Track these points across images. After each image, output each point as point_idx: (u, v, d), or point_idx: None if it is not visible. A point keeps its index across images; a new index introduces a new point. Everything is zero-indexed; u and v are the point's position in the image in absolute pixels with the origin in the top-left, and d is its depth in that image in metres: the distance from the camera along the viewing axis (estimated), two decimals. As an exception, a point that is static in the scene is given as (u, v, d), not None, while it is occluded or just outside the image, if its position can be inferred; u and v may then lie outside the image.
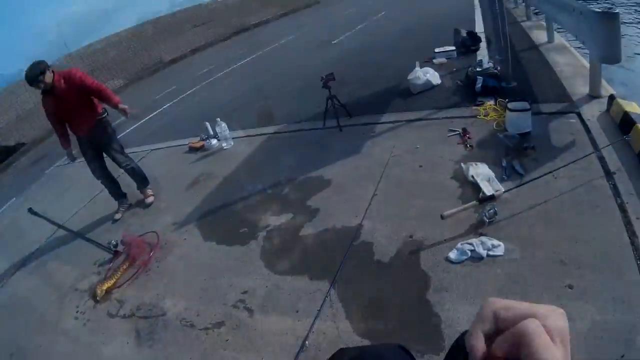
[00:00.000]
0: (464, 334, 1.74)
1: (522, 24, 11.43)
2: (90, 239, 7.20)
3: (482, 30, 10.32)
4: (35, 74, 6.52)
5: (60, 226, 7.92)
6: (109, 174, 7.76)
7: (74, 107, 6.94)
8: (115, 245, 6.55)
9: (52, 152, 7.74)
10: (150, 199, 7.96)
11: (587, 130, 5.28)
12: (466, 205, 4.30)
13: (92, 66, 34.22)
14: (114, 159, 7.52)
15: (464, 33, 9.97)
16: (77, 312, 5.74)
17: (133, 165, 7.75)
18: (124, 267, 6.12)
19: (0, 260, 8.71)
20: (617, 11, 5.36)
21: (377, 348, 1.94)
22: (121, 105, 7.00)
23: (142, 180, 7.95)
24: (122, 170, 7.79)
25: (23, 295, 6.98)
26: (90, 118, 7.13)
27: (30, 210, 8.75)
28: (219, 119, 9.07)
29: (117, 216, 7.77)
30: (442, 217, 4.21)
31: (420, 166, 5.62)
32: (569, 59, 7.77)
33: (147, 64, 35.71)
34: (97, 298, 5.71)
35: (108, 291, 5.78)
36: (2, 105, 29.72)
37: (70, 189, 7.78)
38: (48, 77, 6.62)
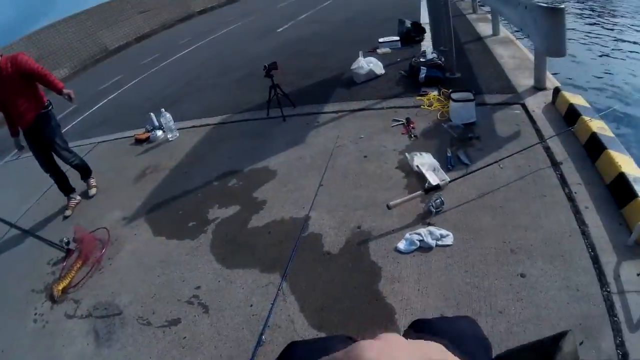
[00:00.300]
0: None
1: (467, 16, 11.63)
2: (42, 237, 7.06)
3: (427, 21, 10.41)
4: None
5: (11, 225, 7.76)
6: (57, 167, 7.64)
7: (18, 91, 6.77)
8: (68, 243, 6.44)
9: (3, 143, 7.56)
10: (93, 190, 7.94)
11: (532, 121, 5.38)
12: (412, 195, 4.31)
13: (38, 54, 33.53)
14: (59, 156, 7.42)
15: (408, 24, 10.03)
16: (35, 314, 5.65)
17: (78, 161, 7.65)
18: (77, 265, 6.01)
19: None
20: (562, 6, 5.43)
21: (325, 341, 2.01)
22: (65, 90, 6.91)
23: (85, 171, 7.90)
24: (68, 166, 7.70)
25: None
26: (35, 108, 6.99)
27: None
28: (163, 110, 8.99)
29: (68, 212, 7.63)
30: (389, 207, 4.22)
31: (365, 156, 5.64)
32: (514, 52, 7.92)
33: (93, 52, 35.17)
34: (55, 298, 5.62)
35: (64, 291, 5.69)
36: None
37: (19, 185, 7.61)
38: None
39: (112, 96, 16.52)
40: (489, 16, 9.87)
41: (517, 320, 2.97)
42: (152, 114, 9.66)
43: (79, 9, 37.48)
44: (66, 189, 7.77)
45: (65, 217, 7.62)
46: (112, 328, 4.67)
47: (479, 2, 12.13)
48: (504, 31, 9.33)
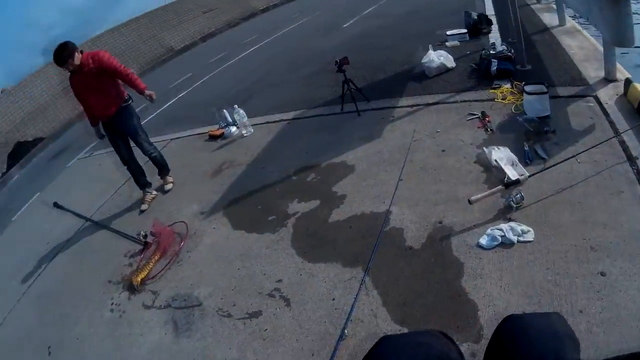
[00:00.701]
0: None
1: (532, 6, 11.31)
2: (119, 231, 7.35)
3: (492, 12, 10.35)
4: (64, 55, 6.63)
5: (87, 219, 8.06)
6: (136, 160, 7.90)
7: (99, 87, 7.08)
8: (145, 236, 6.65)
9: (70, 146, 7.72)
10: (169, 186, 8.20)
11: (606, 113, 5.29)
12: (493, 190, 4.34)
13: (103, 56, 34.13)
14: (140, 147, 7.68)
15: (474, 15, 9.93)
16: (112, 304, 5.85)
17: (157, 154, 7.90)
18: (156, 257, 6.19)
19: (30, 255, 8.84)
20: (628, -6, 5.32)
21: (420, 335, 2.10)
22: (147, 92, 7.23)
23: (163, 168, 8.15)
24: (146, 160, 7.94)
25: (56, 289, 7.09)
26: (116, 102, 7.25)
27: (55, 204, 8.91)
28: (236, 106, 9.15)
29: (144, 207, 7.93)
30: (470, 202, 4.26)
31: (443, 150, 5.65)
32: (582, 42, 7.77)
33: (158, 53, 35.65)
34: (135, 287, 5.79)
35: (142, 282, 5.86)
36: (16, 102, 29.73)
37: (92, 182, 7.88)
38: (77, 59, 6.75)
39: (181, 94, 16.82)
40: (554, 5, 9.69)
41: (597, 320, 2.98)
42: (225, 110, 9.86)
43: (139, 13, 37.87)
44: (142, 183, 8.03)
45: (142, 212, 7.93)
46: (192, 319, 4.82)
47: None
48: (570, 21, 9.14)
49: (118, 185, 9.22)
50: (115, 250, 7.10)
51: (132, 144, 7.75)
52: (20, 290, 7.76)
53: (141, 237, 6.71)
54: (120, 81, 7.26)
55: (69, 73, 6.98)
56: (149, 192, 8.12)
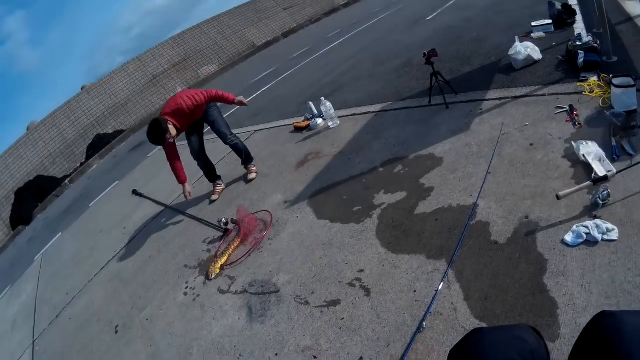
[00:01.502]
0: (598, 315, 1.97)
1: (613, -5, 11.17)
2: (199, 218, 7.73)
3: (575, 2, 10.21)
4: (162, 137, 7.09)
5: (166, 206, 8.38)
6: (206, 156, 8.32)
7: (191, 120, 7.62)
8: (226, 224, 6.93)
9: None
10: (252, 175, 8.55)
11: None
12: (581, 186, 4.32)
13: (186, 53, 35.12)
14: (219, 134, 8.11)
15: (558, 6, 9.80)
16: (186, 287, 6.18)
17: (237, 141, 8.26)
18: (236, 244, 6.44)
19: (105, 239, 9.26)
20: None
21: (513, 330, 2.11)
22: (237, 99, 7.73)
23: (246, 157, 8.53)
24: (227, 152, 8.26)
25: (129, 272, 7.53)
26: (201, 113, 7.76)
27: (134, 191, 9.35)
28: (323, 98, 9.30)
29: (214, 197, 8.42)
30: (558, 198, 4.26)
31: (531, 144, 5.62)
32: None
33: (240, 49, 36.27)
34: (211, 277, 6.05)
35: (221, 268, 6.11)
36: (97, 97, 30.87)
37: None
38: (172, 130, 7.17)
39: (265, 88, 17.34)
40: None
41: None
42: (310, 102, 10.15)
43: (219, 11, 38.52)
44: (213, 176, 8.49)
45: (212, 202, 8.38)
46: (267, 305, 5.00)
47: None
48: None
49: (198, 176, 9.55)
50: (194, 236, 7.46)
51: (206, 140, 8.16)
52: (94, 271, 8.31)
53: (222, 225, 6.98)
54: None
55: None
56: (219, 184, 8.59)
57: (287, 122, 11.26)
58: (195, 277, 6.34)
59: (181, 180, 7.93)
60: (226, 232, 7.04)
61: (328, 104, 9.28)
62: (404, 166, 6.56)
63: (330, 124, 9.45)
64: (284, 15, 40.30)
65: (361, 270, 4.83)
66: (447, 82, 8.06)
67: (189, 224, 8.08)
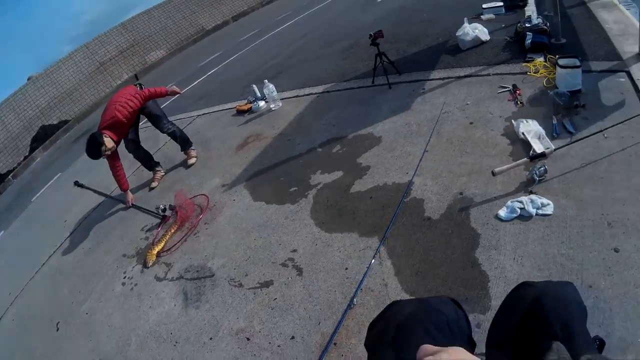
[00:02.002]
0: (520, 285, 1.90)
1: (570, -22, 11.22)
2: (138, 206, 7.54)
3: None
4: (98, 151, 7.00)
5: (106, 195, 8.16)
6: (141, 146, 8.20)
7: (131, 124, 7.56)
8: (164, 210, 6.83)
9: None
10: (192, 160, 8.45)
11: (637, 89, 5.14)
12: (517, 162, 4.29)
13: (134, 39, 34.73)
14: (155, 124, 8.03)
15: None
16: (124, 277, 6.04)
17: (174, 128, 8.18)
18: (172, 230, 6.33)
19: (47, 233, 9.03)
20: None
21: (430, 301, 2.09)
22: (170, 90, 7.59)
23: (184, 142, 8.40)
24: (168, 139, 8.14)
25: (71, 266, 7.30)
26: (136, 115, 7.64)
27: (76, 183, 9.09)
28: (266, 81, 9.20)
29: (154, 184, 8.29)
30: (493, 174, 4.23)
31: (471, 123, 5.59)
32: (618, 17, 7.56)
33: (189, 33, 36.08)
34: (148, 265, 5.92)
35: (158, 254, 5.99)
36: (43, 87, 30.43)
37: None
38: (109, 142, 7.01)
39: (211, 72, 17.21)
40: None
41: (604, 296, 2.94)
42: (254, 85, 10.05)
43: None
44: (151, 164, 8.33)
45: (152, 189, 8.23)
46: (202, 290, 4.94)
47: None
48: None
49: (137, 165, 9.26)
50: (132, 224, 7.32)
51: (145, 128, 8.00)
52: (35, 268, 8.03)
53: (159, 211, 6.87)
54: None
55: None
56: (158, 171, 8.44)
57: (230, 105, 11.11)
58: (133, 267, 6.18)
59: (124, 188, 7.87)
60: (164, 218, 6.92)
61: (271, 86, 9.15)
62: (342, 146, 6.48)
63: (272, 106, 9.33)
64: (234, -3, 40.17)
65: (294, 250, 4.80)
66: (391, 62, 7.95)
67: (127, 213, 7.91)
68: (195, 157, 8.59)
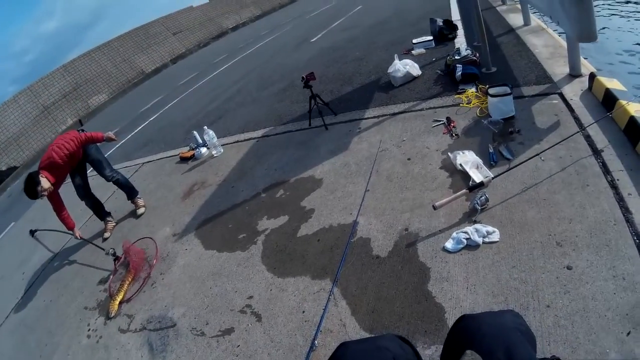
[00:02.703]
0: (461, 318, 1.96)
1: (497, 8, 11.44)
2: (94, 243, 7.65)
3: (458, 17, 10.39)
4: (35, 191, 6.85)
5: (56, 253, 8.01)
6: (92, 194, 8.13)
7: (69, 167, 7.44)
8: (114, 253, 6.83)
9: None
10: (141, 210, 8.35)
11: (571, 109, 5.31)
12: (457, 194, 4.33)
13: (76, 82, 34.50)
14: (99, 173, 7.93)
15: (440, 22, 10.00)
16: (89, 329, 5.86)
17: (119, 177, 8.10)
18: (128, 280, 6.25)
19: (6, 286, 8.82)
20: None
21: (376, 340, 2.15)
22: (106, 136, 7.49)
23: (130, 191, 8.37)
24: (115, 188, 8.06)
25: (33, 319, 7.09)
26: (80, 156, 7.57)
27: (31, 232, 8.93)
28: (206, 127, 9.20)
29: (107, 234, 8.14)
30: (435, 208, 4.26)
31: (409, 159, 5.65)
32: (547, 40, 7.81)
33: (129, 77, 36.02)
34: (111, 315, 5.81)
35: (120, 304, 5.93)
36: None
37: (69, 208, 7.92)
38: (45, 183, 6.93)
39: (153, 117, 17.13)
40: (519, 6, 9.79)
41: (564, 314, 2.97)
42: (194, 132, 10.02)
43: (111, 37, 38.43)
44: (102, 214, 8.23)
45: (105, 239, 8.10)
46: (166, 340, 4.84)
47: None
48: (535, 20, 9.23)
49: (88, 215, 9.15)
50: (90, 276, 7.15)
51: (91, 177, 8.06)
52: None
53: (110, 254, 6.87)
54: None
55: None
56: (110, 221, 8.33)
57: (173, 152, 10.99)
58: (96, 319, 6.03)
59: (69, 227, 7.67)
60: (117, 259, 6.91)
61: (211, 132, 9.16)
62: (285, 190, 6.49)
63: (214, 152, 9.33)
64: (173, 40, 40.25)
65: (250, 297, 4.77)
66: (325, 104, 8.04)
67: (85, 264, 7.72)
68: (144, 206, 8.54)
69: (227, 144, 9.60)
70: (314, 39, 17.33)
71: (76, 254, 8.19)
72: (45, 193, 6.92)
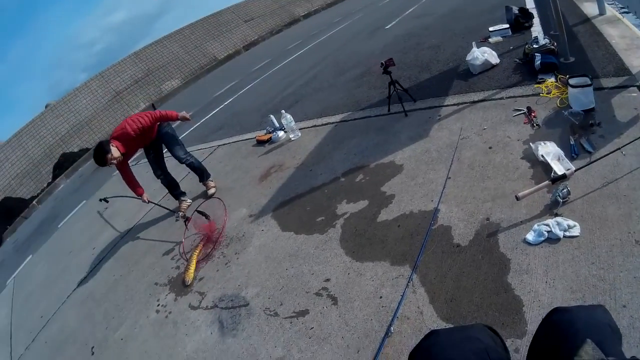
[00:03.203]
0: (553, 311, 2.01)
1: (570, -4, 11.30)
2: (162, 205, 8.45)
3: (533, 5, 10.30)
4: (104, 158, 7.23)
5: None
6: (169, 173, 8.59)
7: (141, 141, 7.80)
8: (184, 215, 7.66)
9: None
10: (212, 190, 8.75)
11: None
12: (540, 186, 4.35)
13: (148, 68, 35.12)
14: (173, 155, 8.28)
15: (515, 10, 9.90)
16: (158, 305, 6.14)
17: (192, 160, 8.47)
18: (198, 250, 6.64)
19: (76, 260, 9.21)
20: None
21: (467, 329, 2.18)
22: (180, 115, 7.85)
23: (202, 174, 8.75)
24: (188, 170, 8.59)
25: (102, 292, 7.49)
26: (153, 134, 7.94)
27: (100, 200, 9.37)
28: (283, 111, 9.38)
29: (181, 213, 8.42)
30: (517, 198, 4.29)
31: (490, 147, 5.65)
32: (624, 31, 7.65)
33: (202, 63, 36.43)
34: (187, 283, 6.11)
35: (195, 269, 6.31)
36: (62, 115, 30.72)
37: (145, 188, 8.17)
38: (115, 152, 7.28)
39: (227, 102, 17.44)
40: None
41: (639, 315, 2.94)
42: (271, 115, 10.25)
43: (181, 25, 38.82)
44: (177, 193, 8.67)
45: (178, 219, 8.39)
46: (238, 318, 4.98)
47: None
48: (610, 10, 9.01)
49: (164, 193, 9.48)
50: (162, 253, 7.46)
51: (166, 156, 8.43)
52: (66, 293, 8.25)
53: (180, 217, 7.73)
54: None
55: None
56: (184, 200, 8.72)
57: (249, 135, 11.40)
58: (166, 295, 6.27)
59: (138, 193, 8.09)
60: (187, 220, 7.50)
61: (289, 116, 9.30)
62: (365, 175, 6.55)
63: (291, 136, 9.52)
64: (245, 27, 40.53)
65: (327, 280, 4.83)
66: (405, 90, 8.06)
67: (156, 242, 8.03)
68: (214, 187, 8.82)
69: (304, 128, 9.73)
70: (387, 26, 17.24)
71: (148, 230, 8.60)
72: (115, 162, 7.27)
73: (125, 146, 7.42)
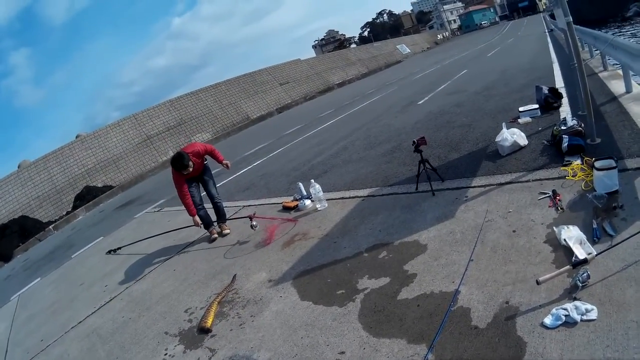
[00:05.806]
0: None
1: (599, 74, 11.39)
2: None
3: (562, 84, 10.39)
4: (186, 164, 8.81)
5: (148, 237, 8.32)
6: (204, 207, 9.88)
7: (198, 168, 9.16)
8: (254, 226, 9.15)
9: (140, 198, 8.20)
10: (227, 231, 10.07)
11: None
12: (560, 270, 4.36)
13: (181, 118, 35.82)
14: (208, 193, 9.78)
15: (545, 90, 10.06)
16: (165, 354, 6.08)
17: (221, 202, 9.96)
18: (217, 299, 6.75)
19: (85, 293, 9.60)
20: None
21: None
22: (225, 161, 9.39)
23: (222, 217, 10.28)
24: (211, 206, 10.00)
25: (108, 330, 7.60)
26: (202, 167, 9.38)
27: (110, 252, 9.68)
28: (312, 180, 9.43)
29: (214, 236, 9.97)
30: (538, 283, 4.31)
31: (514, 231, 5.66)
32: None
33: (235, 120, 37.00)
34: (206, 326, 6.17)
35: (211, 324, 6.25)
36: (91, 148, 31.44)
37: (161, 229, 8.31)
38: (191, 165, 8.73)
39: (256, 163, 17.80)
40: (620, 72, 9.70)
41: None
42: (300, 183, 10.37)
43: (217, 80, 39.69)
44: (208, 222, 10.02)
45: (213, 240, 9.88)
46: None
47: (608, 59, 11.98)
48: (638, 87, 9.16)
49: (188, 240, 9.80)
50: (177, 303, 7.45)
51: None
52: (70, 323, 8.33)
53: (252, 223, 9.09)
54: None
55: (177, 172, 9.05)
56: (214, 227, 9.87)
57: (276, 200, 11.52)
58: (175, 345, 6.22)
59: (192, 213, 9.31)
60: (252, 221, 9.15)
61: (317, 186, 9.36)
62: (389, 252, 6.54)
63: (318, 206, 9.51)
64: (279, 90, 41.34)
65: (342, 352, 4.78)
66: (434, 169, 8.15)
67: (172, 290, 8.08)
68: (229, 230, 10.10)
69: (331, 199, 9.78)
70: (420, 102, 17.56)
71: (164, 279, 8.69)
72: (186, 172, 8.88)
73: (194, 164, 8.82)
